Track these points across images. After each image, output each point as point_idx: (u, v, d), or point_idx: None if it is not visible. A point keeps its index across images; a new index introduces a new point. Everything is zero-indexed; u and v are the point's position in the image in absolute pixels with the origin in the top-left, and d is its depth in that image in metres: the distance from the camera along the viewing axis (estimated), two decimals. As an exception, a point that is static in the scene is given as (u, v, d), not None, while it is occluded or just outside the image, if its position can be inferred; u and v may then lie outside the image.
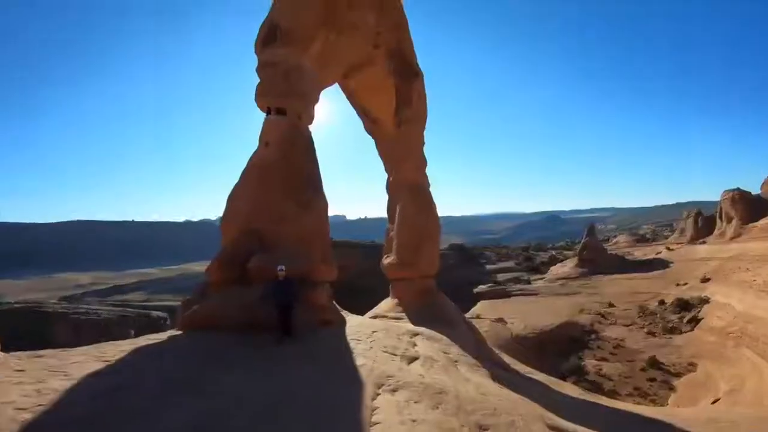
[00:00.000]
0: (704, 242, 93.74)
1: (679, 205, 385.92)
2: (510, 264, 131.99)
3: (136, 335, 19.02)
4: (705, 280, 71.23)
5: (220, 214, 21.86)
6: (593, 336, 56.27)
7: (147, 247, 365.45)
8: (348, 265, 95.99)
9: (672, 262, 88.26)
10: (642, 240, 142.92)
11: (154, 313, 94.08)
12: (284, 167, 21.22)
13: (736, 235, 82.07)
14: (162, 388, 9.78)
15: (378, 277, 35.82)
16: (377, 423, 9.72)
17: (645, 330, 59.38)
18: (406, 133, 32.27)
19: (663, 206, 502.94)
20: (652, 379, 43.28)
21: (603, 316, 66.34)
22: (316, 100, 25.02)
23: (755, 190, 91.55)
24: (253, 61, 23.08)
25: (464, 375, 18.45)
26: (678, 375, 44.50)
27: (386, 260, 32.84)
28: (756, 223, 78.47)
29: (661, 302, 69.21)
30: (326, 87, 27.87)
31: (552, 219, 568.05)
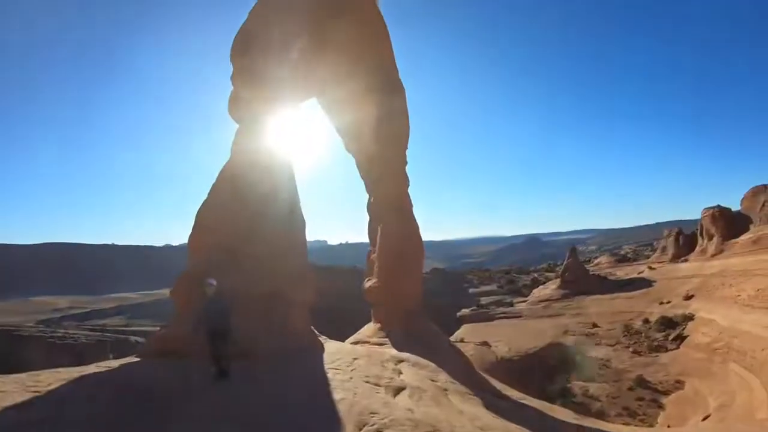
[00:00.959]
0: (686, 260, 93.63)
1: (658, 225, 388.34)
2: (492, 287, 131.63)
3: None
4: (688, 297, 70.79)
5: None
6: (578, 357, 55.52)
7: (127, 272, 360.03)
8: (329, 290, 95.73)
9: (654, 281, 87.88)
10: (623, 260, 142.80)
11: (133, 338, 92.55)
12: (258, 180, 20.21)
13: (718, 251, 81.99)
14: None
15: (360, 301, 34.70)
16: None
17: (630, 349, 58.89)
18: (387, 151, 31.13)
19: (643, 226, 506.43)
20: (641, 399, 42.70)
21: (588, 336, 65.79)
22: (296, 110, 24.42)
23: (735, 206, 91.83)
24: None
25: (457, 406, 17.29)
26: (666, 393, 43.98)
27: (368, 284, 31.62)
28: (737, 239, 78.46)
29: (646, 321, 68.68)
30: (304, 100, 27.24)
31: (532, 241, 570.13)
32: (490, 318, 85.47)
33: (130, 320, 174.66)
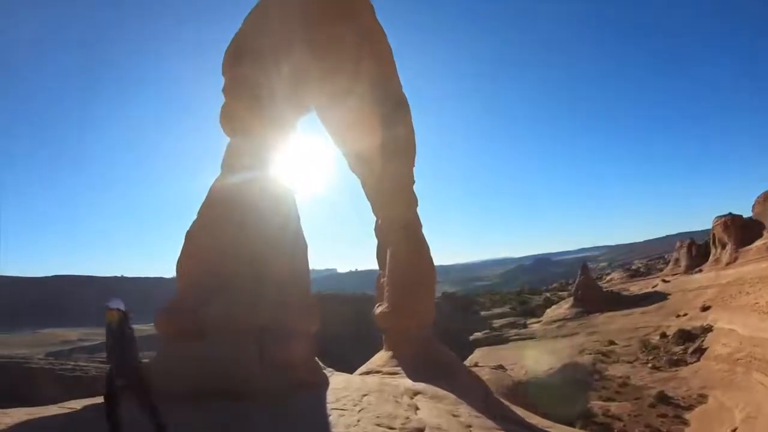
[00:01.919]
0: (700, 270, 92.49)
1: (669, 238, 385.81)
2: (505, 309, 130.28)
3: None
4: (705, 308, 69.73)
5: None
6: (597, 376, 54.21)
7: (136, 303, 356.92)
8: (339, 318, 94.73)
9: (669, 294, 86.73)
10: (636, 274, 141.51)
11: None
12: (253, 199, 18.91)
13: (732, 260, 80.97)
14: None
15: (371, 329, 33.40)
16: None
17: (649, 365, 57.61)
18: (393, 170, 29.50)
19: (653, 240, 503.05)
20: (663, 415, 41.39)
21: (604, 354, 64.60)
22: (293, 127, 23.14)
23: (746, 213, 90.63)
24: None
25: (484, 449, 15.54)
26: (689, 408, 42.70)
27: (378, 309, 29.57)
28: (751, 246, 77.52)
29: (663, 335, 67.49)
30: (302, 114, 26.07)
31: (543, 262, 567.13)
32: (504, 340, 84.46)
33: (140, 352, 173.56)
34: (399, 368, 25.72)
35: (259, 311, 17.18)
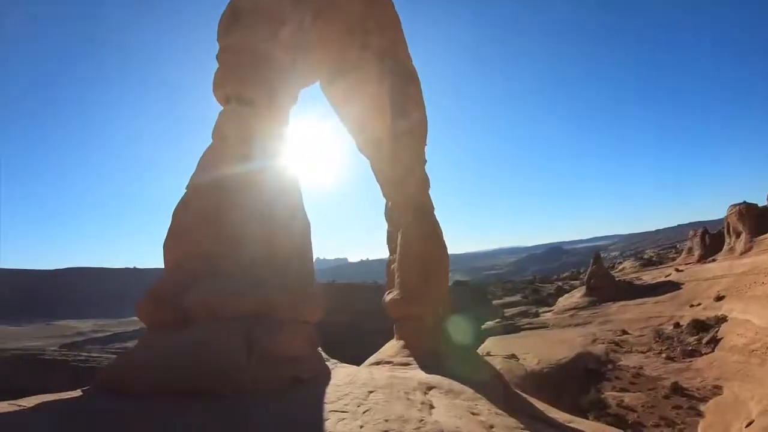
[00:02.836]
0: (714, 260, 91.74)
1: (680, 227, 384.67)
2: (517, 298, 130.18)
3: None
4: (719, 298, 69.05)
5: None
6: (610, 366, 53.70)
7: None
8: (350, 308, 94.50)
9: (682, 284, 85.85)
10: (649, 264, 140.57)
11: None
12: (247, 173, 17.51)
13: (747, 249, 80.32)
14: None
15: (382, 319, 31.11)
16: None
17: (663, 355, 57.00)
18: (403, 149, 28.25)
19: (665, 229, 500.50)
20: (678, 407, 40.88)
21: (617, 344, 64.06)
22: (293, 98, 21.59)
23: (761, 201, 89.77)
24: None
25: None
26: (704, 400, 42.16)
27: (388, 296, 28.25)
28: (766, 235, 76.77)
29: (677, 325, 66.92)
30: (304, 86, 24.82)
31: (554, 251, 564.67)
32: (516, 329, 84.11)
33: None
34: (411, 359, 24.60)
35: (251, 297, 15.80)
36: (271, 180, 18.48)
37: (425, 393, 17.61)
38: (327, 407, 13.30)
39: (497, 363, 43.15)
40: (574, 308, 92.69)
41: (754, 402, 37.63)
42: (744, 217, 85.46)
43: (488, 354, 52.73)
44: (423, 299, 26.97)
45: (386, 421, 12.96)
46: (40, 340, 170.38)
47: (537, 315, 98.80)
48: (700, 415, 39.41)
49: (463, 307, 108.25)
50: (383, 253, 32.77)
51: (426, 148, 29.94)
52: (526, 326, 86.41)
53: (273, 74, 19.63)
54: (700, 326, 62.05)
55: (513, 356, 51.21)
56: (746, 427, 33.59)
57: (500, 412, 17.96)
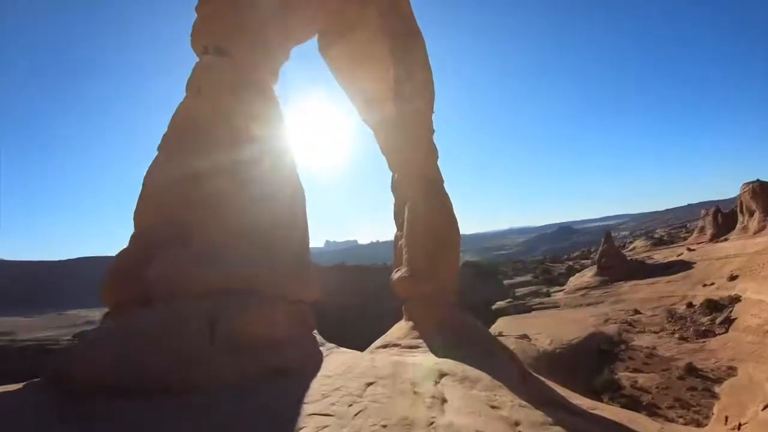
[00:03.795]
0: (726, 239, 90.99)
1: (690, 207, 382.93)
2: (528, 278, 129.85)
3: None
4: (732, 277, 68.35)
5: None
6: (623, 346, 53.26)
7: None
8: (360, 290, 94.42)
9: (695, 263, 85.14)
10: (660, 243, 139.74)
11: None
12: (227, 128, 15.53)
13: (760, 228, 79.55)
14: None
15: (392, 300, 29.34)
16: None
17: (676, 335, 56.45)
18: (409, 115, 26.55)
19: (675, 209, 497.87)
20: (692, 388, 40.43)
21: (630, 324, 63.62)
22: (284, 54, 20.25)
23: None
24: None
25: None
26: (719, 381, 41.69)
27: (396, 275, 26.82)
28: (781, 214, 76.08)
29: (689, 305, 66.31)
30: (299, 40, 23.37)
31: (564, 230, 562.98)
32: (527, 309, 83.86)
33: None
34: (420, 340, 23.37)
35: (220, 270, 13.83)
36: (257, 138, 16.67)
37: (436, 382, 15.62)
38: (306, 409, 10.71)
39: (510, 343, 42.79)
40: (585, 288, 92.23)
41: (769, 383, 37.22)
42: (758, 195, 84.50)
43: (500, 334, 52.39)
44: (432, 276, 25.70)
45: (384, 427, 10.39)
46: (53, 330, 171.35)
47: (548, 295, 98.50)
48: (715, 396, 38.99)
49: (473, 287, 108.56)
50: (393, 235, 31.42)
51: (433, 115, 28.44)
52: (538, 306, 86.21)
53: (256, 24, 18.12)
54: (713, 306, 61.49)
55: (525, 336, 50.87)
56: (762, 410, 33.19)
57: (524, 403, 16.00)
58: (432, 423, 11.60)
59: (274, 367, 13.24)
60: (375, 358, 17.66)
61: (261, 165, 16.53)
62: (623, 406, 32.09)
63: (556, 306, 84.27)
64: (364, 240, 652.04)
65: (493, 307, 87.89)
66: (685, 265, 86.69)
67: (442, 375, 16.62)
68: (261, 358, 13.26)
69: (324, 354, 16.67)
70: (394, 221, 29.59)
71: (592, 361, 47.69)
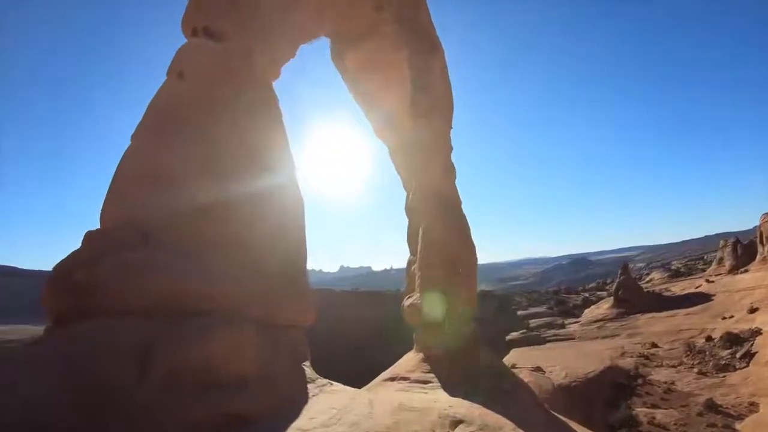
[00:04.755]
0: (746, 270, 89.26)
1: (707, 238, 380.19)
2: (542, 309, 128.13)
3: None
4: (753, 310, 66.88)
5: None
6: (640, 380, 51.91)
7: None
8: (372, 317, 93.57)
9: (714, 295, 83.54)
10: (677, 275, 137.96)
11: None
12: (210, 119, 13.62)
13: (782, 259, 78.26)
14: None
15: (406, 328, 27.07)
16: None
17: (695, 370, 55.00)
18: (426, 129, 25.11)
19: (691, 240, 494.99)
20: (712, 425, 39.01)
21: (647, 357, 62.28)
22: (288, 49, 18.80)
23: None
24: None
25: None
26: (740, 417, 40.24)
27: (407, 301, 25.09)
28: (801, 245, 74.77)
29: (708, 338, 64.66)
30: (306, 38, 21.66)
31: (579, 261, 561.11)
32: (541, 341, 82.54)
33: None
34: (431, 375, 21.47)
35: (176, 281, 11.38)
36: (244, 132, 14.63)
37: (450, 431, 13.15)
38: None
39: (524, 376, 41.75)
40: (601, 320, 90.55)
41: (793, 421, 35.95)
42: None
43: (513, 366, 51.17)
44: (448, 303, 23.54)
45: None
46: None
47: (563, 326, 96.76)
48: (737, 433, 37.72)
49: (486, 317, 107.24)
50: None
51: (451, 132, 27.21)
52: (552, 338, 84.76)
53: (252, 10, 16.44)
54: (733, 339, 59.86)
55: (539, 369, 49.66)
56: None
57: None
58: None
59: (234, 414, 10.44)
60: (374, 400, 14.52)
61: (249, 163, 14.60)
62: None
63: (571, 338, 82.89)
64: (378, 267, 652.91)
65: (507, 338, 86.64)
66: (703, 298, 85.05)
67: (456, 424, 13.70)
68: (215, 401, 10.34)
69: (311, 394, 13.62)
70: (407, 245, 28.48)
71: (609, 396, 46.52)
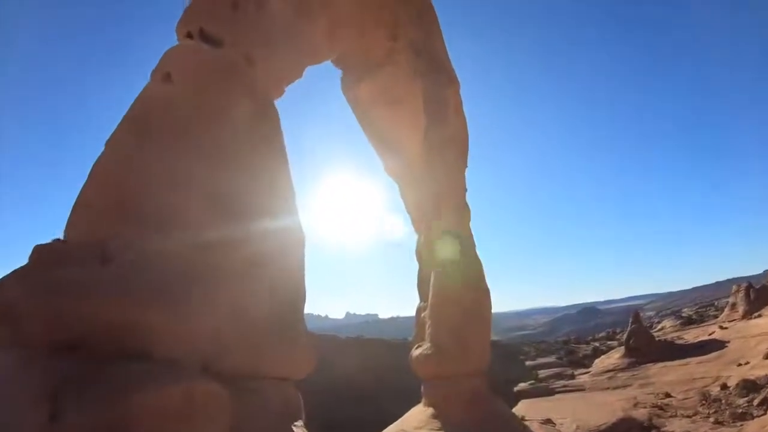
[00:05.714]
0: (759, 315, 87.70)
1: (718, 284, 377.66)
2: (551, 359, 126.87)
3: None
4: (769, 356, 65.16)
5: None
6: (654, 432, 50.07)
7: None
8: (377, 364, 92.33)
9: (727, 342, 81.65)
10: (689, 322, 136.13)
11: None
12: (199, 128, 11.83)
13: (795, 302, 76.96)
14: None
15: (412, 377, 26.44)
16: None
17: (711, 419, 52.88)
18: (440, 164, 24.27)
19: (701, 287, 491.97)
20: (733, 477, 37.42)
21: (661, 408, 60.14)
22: (296, 71, 17.32)
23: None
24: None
25: None
26: (760, 468, 38.64)
27: (416, 351, 24.11)
28: (818, 288, 73.42)
29: (724, 386, 62.51)
30: (314, 58, 20.10)
31: (588, 311, 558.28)
32: (550, 392, 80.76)
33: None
34: None
35: (113, 308, 8.76)
36: (235, 141, 12.75)
37: None
38: None
39: (534, 428, 40.34)
40: (612, 370, 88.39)
41: (815, 471, 34.35)
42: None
43: (523, 418, 49.54)
44: (460, 355, 22.97)
45: None
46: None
47: (573, 377, 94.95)
48: (758, 486, 36.06)
49: (494, 367, 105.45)
50: (415, 310, 28.80)
51: (466, 170, 26.13)
52: (562, 389, 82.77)
53: (256, 18, 14.95)
54: (750, 387, 57.76)
55: (549, 421, 48.12)
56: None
57: None
58: None
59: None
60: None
61: (245, 181, 12.67)
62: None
63: (581, 389, 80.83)
64: (384, 314, 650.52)
65: (515, 389, 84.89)
66: (717, 345, 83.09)
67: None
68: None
69: None
70: (417, 290, 27.09)
71: (622, 448, 44.88)
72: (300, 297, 13.93)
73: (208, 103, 12.61)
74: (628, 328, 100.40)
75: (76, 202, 11.37)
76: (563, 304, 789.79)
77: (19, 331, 8.63)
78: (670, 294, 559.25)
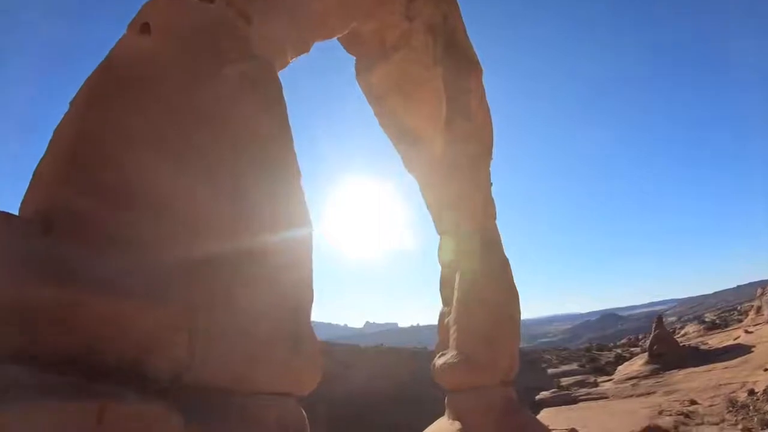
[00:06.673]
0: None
1: (739, 288, 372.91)
2: (573, 366, 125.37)
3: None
4: (796, 360, 63.92)
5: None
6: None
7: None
8: (398, 374, 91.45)
9: (753, 346, 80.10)
10: (713, 327, 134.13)
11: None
12: (178, 87, 9.96)
13: (820, 303, 75.57)
14: None
15: (433, 387, 25.47)
16: None
17: (739, 426, 51.59)
18: (463, 155, 22.57)
19: (724, 291, 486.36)
20: (764, 485, 36.44)
21: (687, 415, 58.88)
22: (301, 42, 15.05)
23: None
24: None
25: None
26: (792, 475, 37.67)
27: (440, 360, 22.28)
28: (843, 290, 72.01)
29: (751, 392, 61.19)
30: (319, 32, 17.32)
31: (609, 317, 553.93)
32: (573, 400, 79.73)
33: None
34: None
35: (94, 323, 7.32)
36: (228, 107, 10.63)
37: None
38: None
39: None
40: (635, 377, 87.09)
41: None
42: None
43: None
44: (490, 364, 21.33)
45: None
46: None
47: (596, 384, 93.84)
48: (790, 495, 35.14)
49: (516, 375, 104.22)
50: (435, 318, 27.10)
51: (491, 163, 24.29)
52: (585, 396, 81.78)
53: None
54: (777, 392, 56.84)
55: (573, 430, 47.08)
56: None
57: None
58: None
59: None
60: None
61: (231, 149, 10.37)
62: None
63: (604, 396, 79.74)
64: (404, 323, 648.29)
65: (537, 397, 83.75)
66: (743, 349, 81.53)
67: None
68: None
69: None
70: (440, 294, 25.63)
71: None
72: (306, 297, 11.43)
73: (191, 60, 10.74)
74: (652, 334, 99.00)
75: (34, 172, 9.39)
76: (584, 310, 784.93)
77: None
78: (691, 299, 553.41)
